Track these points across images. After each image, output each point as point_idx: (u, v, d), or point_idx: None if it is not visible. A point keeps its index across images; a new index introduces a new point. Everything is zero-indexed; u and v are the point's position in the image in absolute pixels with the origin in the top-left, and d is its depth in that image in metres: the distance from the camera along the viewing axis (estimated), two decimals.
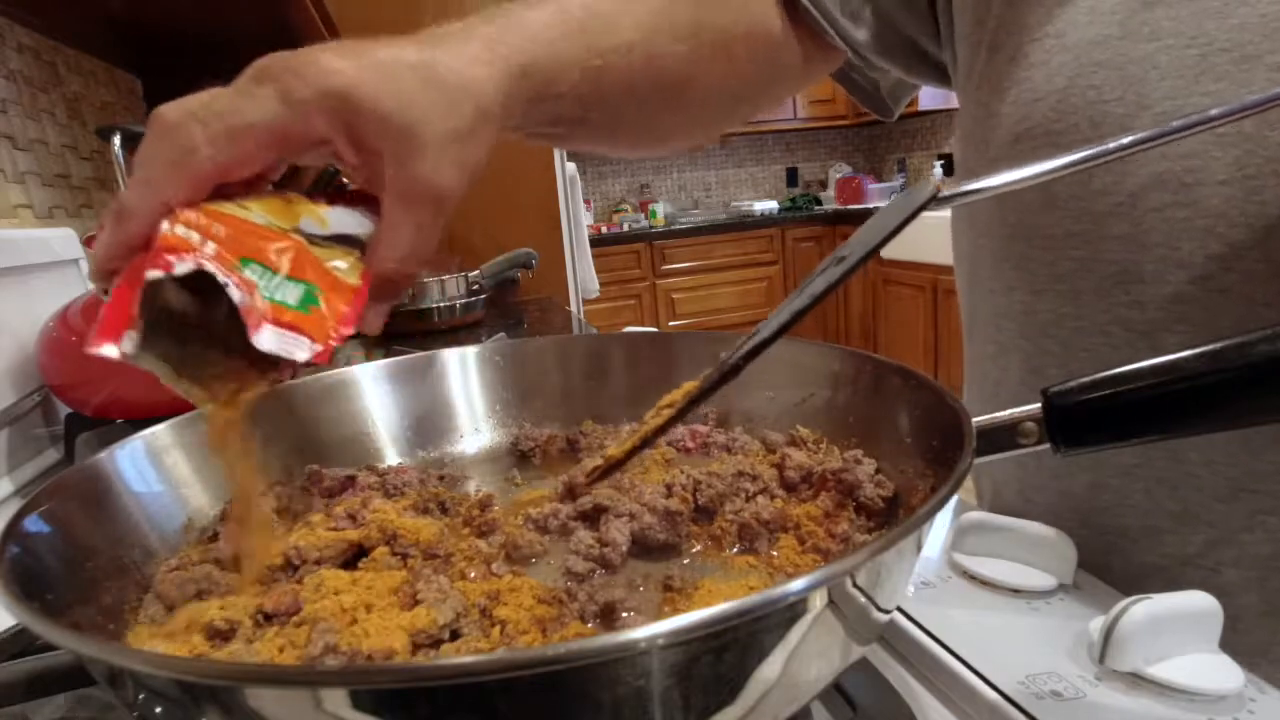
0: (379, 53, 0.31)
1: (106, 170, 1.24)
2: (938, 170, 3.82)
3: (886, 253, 3.38)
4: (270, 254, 0.30)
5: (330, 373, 0.50)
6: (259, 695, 0.20)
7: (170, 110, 0.29)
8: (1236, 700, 0.32)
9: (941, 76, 0.56)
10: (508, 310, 1.68)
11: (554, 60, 0.37)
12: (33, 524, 0.30)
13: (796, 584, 0.21)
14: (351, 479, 0.44)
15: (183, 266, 0.28)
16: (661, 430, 0.36)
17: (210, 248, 0.29)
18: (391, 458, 0.49)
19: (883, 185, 4.08)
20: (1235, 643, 0.34)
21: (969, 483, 0.31)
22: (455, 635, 0.29)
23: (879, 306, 3.59)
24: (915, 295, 3.26)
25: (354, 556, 0.36)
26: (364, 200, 0.34)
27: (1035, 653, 0.35)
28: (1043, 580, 0.40)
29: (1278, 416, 0.30)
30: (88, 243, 0.71)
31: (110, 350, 0.28)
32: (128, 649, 0.29)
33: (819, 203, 4.23)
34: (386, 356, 0.53)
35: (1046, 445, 0.32)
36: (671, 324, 3.71)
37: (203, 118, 0.29)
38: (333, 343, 0.30)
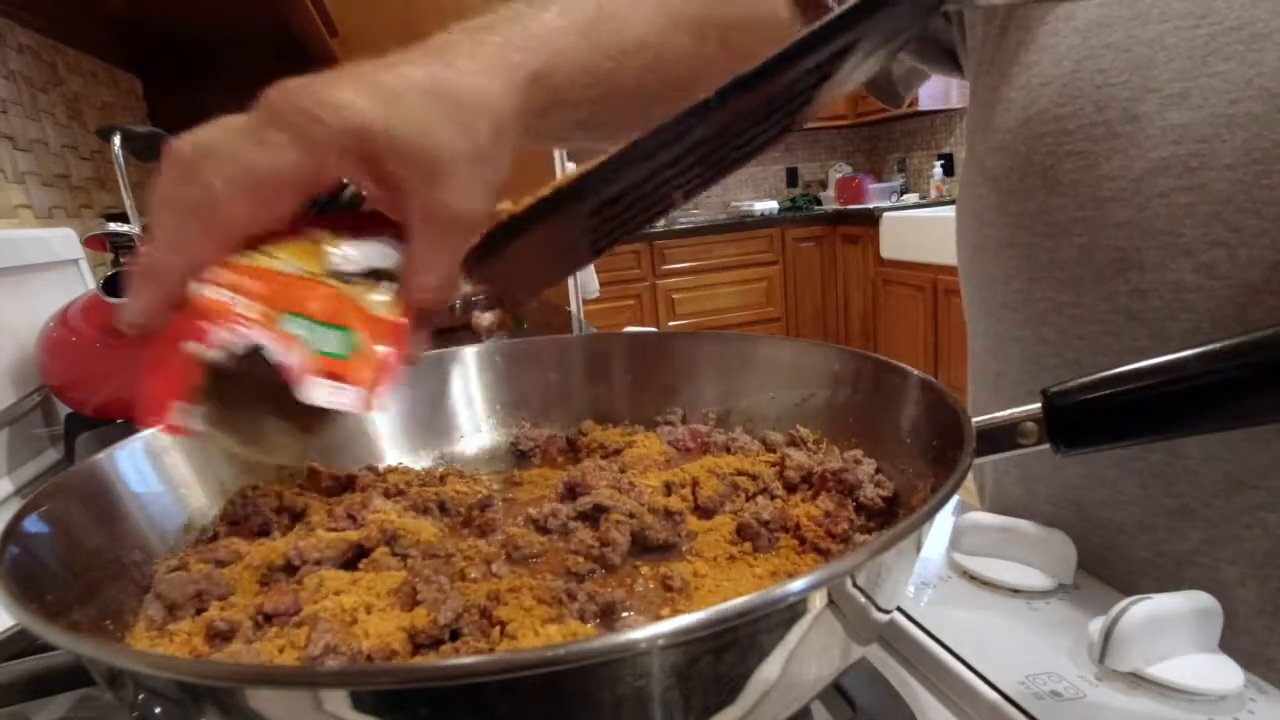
0: (387, 77, 0.29)
1: (106, 170, 1.24)
2: (938, 170, 3.82)
3: (886, 253, 3.38)
4: (306, 303, 0.29)
5: None
6: (259, 696, 0.20)
7: (185, 147, 0.28)
8: (1236, 700, 0.32)
9: (953, 62, 0.55)
10: None
11: (565, 65, 0.35)
12: (33, 524, 0.30)
13: (796, 584, 0.21)
14: (351, 479, 0.44)
15: (220, 336, 0.27)
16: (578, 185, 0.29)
17: (246, 307, 0.28)
18: (391, 458, 0.49)
19: (883, 185, 4.07)
20: (1231, 642, 0.34)
21: (969, 483, 0.31)
22: (455, 635, 0.29)
23: (879, 306, 3.59)
24: (915, 295, 3.25)
25: (354, 557, 0.36)
26: (387, 224, 0.32)
27: (1035, 653, 0.35)
28: (1043, 580, 0.40)
29: (1278, 417, 0.30)
30: (88, 243, 0.71)
31: (167, 424, 0.28)
32: (128, 649, 0.29)
33: (819, 203, 4.22)
34: None
35: (1046, 445, 0.32)
36: (671, 324, 3.71)
37: (221, 160, 0.27)
38: (381, 391, 0.29)
